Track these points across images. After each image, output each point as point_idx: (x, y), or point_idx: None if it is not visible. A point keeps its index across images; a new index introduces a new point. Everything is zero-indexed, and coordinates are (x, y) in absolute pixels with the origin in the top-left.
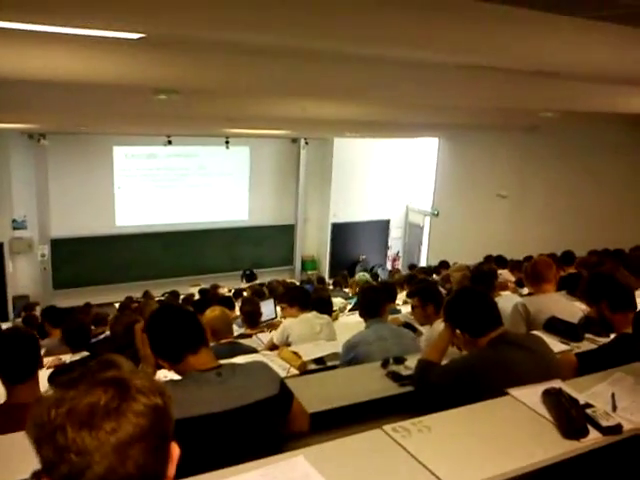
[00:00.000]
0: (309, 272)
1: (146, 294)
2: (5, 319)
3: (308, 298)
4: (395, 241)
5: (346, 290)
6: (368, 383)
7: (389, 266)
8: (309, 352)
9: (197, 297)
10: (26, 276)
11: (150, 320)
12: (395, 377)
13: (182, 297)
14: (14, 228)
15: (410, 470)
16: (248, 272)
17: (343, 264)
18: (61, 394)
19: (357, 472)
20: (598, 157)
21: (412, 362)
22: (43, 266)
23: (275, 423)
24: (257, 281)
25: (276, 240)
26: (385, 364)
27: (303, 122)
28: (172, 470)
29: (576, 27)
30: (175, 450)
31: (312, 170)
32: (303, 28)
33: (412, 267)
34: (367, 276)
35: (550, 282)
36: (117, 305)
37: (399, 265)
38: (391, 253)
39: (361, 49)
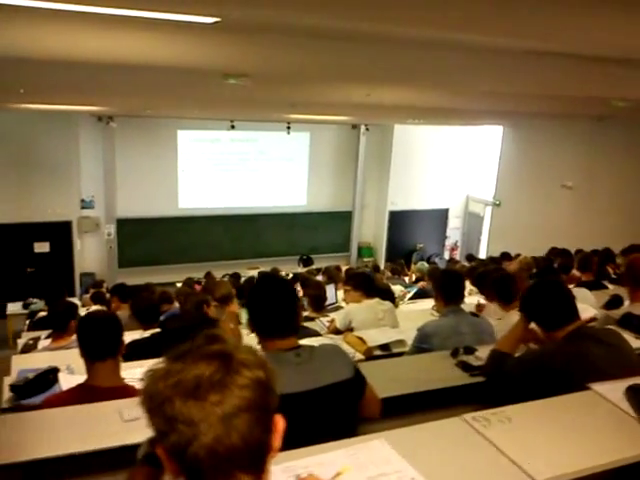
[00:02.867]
0: (365, 259)
1: (208, 275)
2: (72, 295)
3: (373, 284)
4: (453, 231)
5: (405, 278)
6: (437, 371)
7: (446, 256)
8: (374, 338)
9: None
10: (93, 254)
11: (257, 289)
12: (465, 367)
13: (243, 279)
14: (82, 207)
15: (491, 459)
16: (305, 257)
17: (400, 252)
18: (169, 367)
19: (437, 458)
20: None
21: (482, 353)
22: (109, 245)
23: (349, 406)
24: (313, 266)
25: (333, 226)
26: (455, 354)
27: (366, 108)
28: (277, 442)
29: None
30: (280, 422)
31: (371, 157)
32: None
33: (470, 258)
34: (426, 265)
35: None
36: (178, 285)
37: (457, 255)
38: (449, 243)
39: (452, 35)
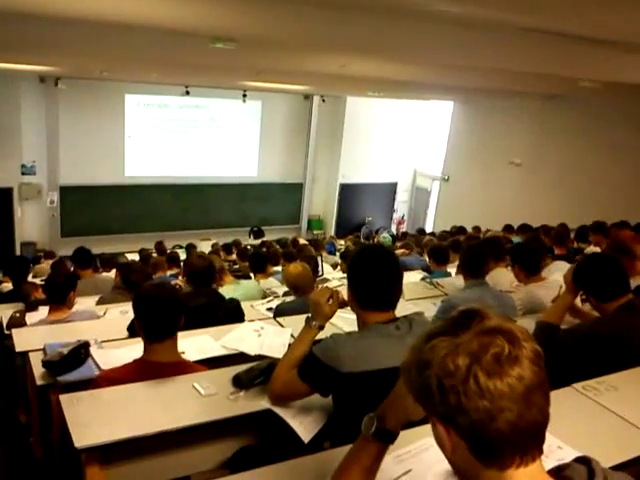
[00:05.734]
0: (315, 231)
1: (160, 245)
2: None
3: None
4: (401, 204)
5: None
6: None
7: (394, 229)
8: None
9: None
10: (34, 223)
11: (360, 260)
12: None
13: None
14: (23, 173)
15: (614, 424)
16: (256, 229)
17: (349, 225)
18: (454, 342)
19: (568, 425)
20: (619, 129)
21: (522, 324)
22: (51, 213)
23: None
24: (264, 238)
25: (284, 198)
26: None
27: (330, 78)
28: None
29: None
30: None
31: (323, 129)
32: None
33: (421, 232)
34: (389, 238)
35: (638, 259)
36: (128, 255)
37: (403, 228)
38: (396, 216)
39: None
